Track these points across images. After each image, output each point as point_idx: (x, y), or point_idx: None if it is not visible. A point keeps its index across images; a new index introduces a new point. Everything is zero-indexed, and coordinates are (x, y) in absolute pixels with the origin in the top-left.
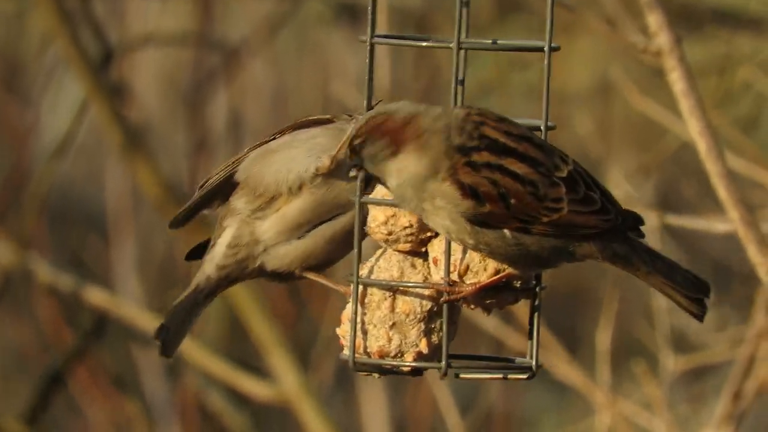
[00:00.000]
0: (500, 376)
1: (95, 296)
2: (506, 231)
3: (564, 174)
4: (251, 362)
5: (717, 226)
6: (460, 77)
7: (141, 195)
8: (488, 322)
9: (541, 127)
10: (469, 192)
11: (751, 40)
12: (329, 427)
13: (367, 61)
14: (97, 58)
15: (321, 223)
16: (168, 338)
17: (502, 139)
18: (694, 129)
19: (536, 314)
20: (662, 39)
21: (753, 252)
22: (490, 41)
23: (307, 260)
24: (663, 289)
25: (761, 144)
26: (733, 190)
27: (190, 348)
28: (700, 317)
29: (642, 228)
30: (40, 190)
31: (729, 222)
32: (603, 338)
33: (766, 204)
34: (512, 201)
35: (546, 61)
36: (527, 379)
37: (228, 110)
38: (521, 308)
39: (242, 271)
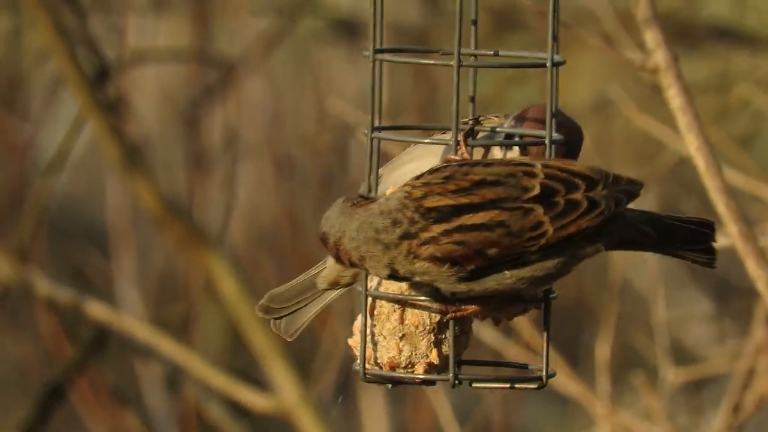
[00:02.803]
0: (509, 386)
1: (95, 310)
2: (505, 271)
3: (536, 191)
4: (251, 374)
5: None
6: (471, 94)
7: (141, 209)
8: (489, 333)
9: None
10: (443, 260)
11: (748, 57)
12: None
13: (371, 77)
14: (93, 74)
15: None
16: None
17: (450, 202)
18: (691, 144)
19: (547, 324)
20: (659, 56)
21: (752, 266)
22: (492, 53)
23: None
24: (672, 254)
25: (759, 159)
26: (731, 205)
27: (190, 360)
28: (711, 265)
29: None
30: (37, 203)
31: (728, 236)
32: (603, 350)
33: (765, 218)
34: (490, 252)
35: (548, 76)
36: (537, 389)
37: (225, 127)
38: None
39: None
